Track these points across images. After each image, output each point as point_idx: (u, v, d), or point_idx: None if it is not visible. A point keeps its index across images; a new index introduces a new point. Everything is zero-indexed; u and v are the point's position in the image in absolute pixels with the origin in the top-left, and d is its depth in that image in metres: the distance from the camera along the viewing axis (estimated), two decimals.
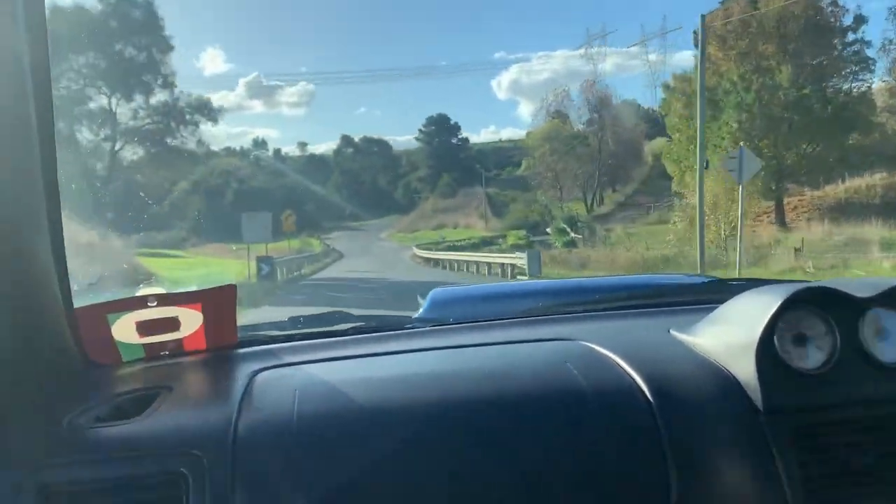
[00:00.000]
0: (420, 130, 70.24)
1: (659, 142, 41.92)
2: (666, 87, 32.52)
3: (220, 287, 1.26)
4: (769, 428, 0.94)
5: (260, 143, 71.74)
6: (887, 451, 0.93)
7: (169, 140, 32.94)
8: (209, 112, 35.20)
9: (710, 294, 1.35)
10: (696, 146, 16.44)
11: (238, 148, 65.04)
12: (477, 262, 23.84)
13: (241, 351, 1.22)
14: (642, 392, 0.96)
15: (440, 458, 0.89)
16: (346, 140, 77.24)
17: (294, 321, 1.45)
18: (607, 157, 47.62)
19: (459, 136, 72.66)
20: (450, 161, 67.03)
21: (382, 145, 77.65)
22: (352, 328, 1.35)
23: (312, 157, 76.39)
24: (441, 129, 70.52)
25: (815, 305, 1.00)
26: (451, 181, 62.53)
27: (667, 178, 32.11)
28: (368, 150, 79.87)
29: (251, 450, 0.90)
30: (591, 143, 46.95)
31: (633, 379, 0.99)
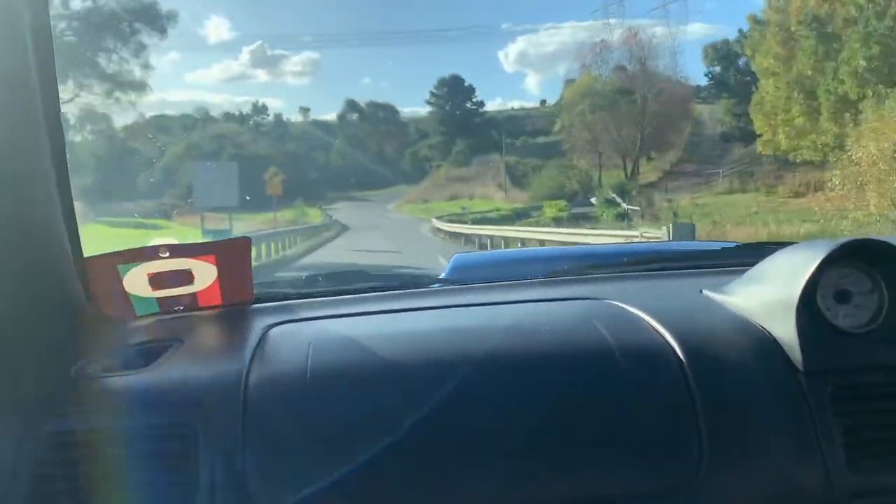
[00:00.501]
0: (431, 93, 67.57)
1: (698, 108, 40.35)
2: (754, 20, 26.97)
3: (234, 239, 1.26)
4: (809, 389, 0.92)
5: (260, 109, 69.92)
6: None
7: (103, 61, 22.09)
8: (152, 18, 23.02)
9: (743, 257, 1.31)
10: (799, 92, 13.67)
11: (237, 113, 63.88)
12: (524, 240, 17.89)
13: (256, 306, 1.23)
14: (673, 350, 0.95)
15: (458, 414, 0.89)
16: (352, 105, 75.23)
17: (311, 280, 1.46)
18: (651, 118, 42.67)
19: (474, 100, 69.05)
20: (464, 127, 65.78)
21: (389, 110, 76.85)
22: (370, 287, 1.35)
23: (315, 122, 74.88)
24: (454, 92, 69.43)
25: (860, 261, 0.98)
26: (466, 148, 61.14)
27: (716, 145, 28.69)
28: (374, 115, 79.62)
29: (262, 403, 0.91)
30: (636, 101, 42.20)
31: (664, 337, 0.98)
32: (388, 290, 1.35)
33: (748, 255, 1.30)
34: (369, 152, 76.75)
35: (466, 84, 68.52)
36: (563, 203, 36.40)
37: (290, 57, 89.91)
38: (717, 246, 1.89)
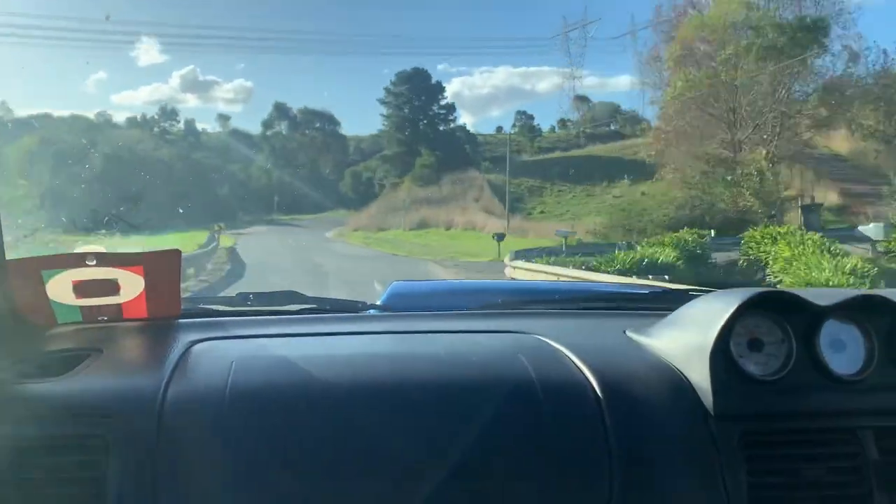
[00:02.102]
0: (387, 90, 58.46)
1: None
2: None
3: (163, 251, 1.27)
4: (719, 433, 1.01)
5: (169, 113, 61.45)
6: (836, 465, 1.02)
7: None
8: None
9: (668, 301, 1.43)
10: None
11: (139, 117, 57.24)
12: None
13: (183, 321, 1.28)
14: (592, 388, 1.04)
15: (373, 440, 0.96)
16: (281, 111, 67.48)
17: (243, 297, 1.49)
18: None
19: (443, 101, 59.19)
20: (430, 135, 56.44)
21: (327, 120, 69.21)
22: (302, 308, 1.42)
23: (236, 132, 66.84)
24: (417, 89, 57.99)
25: (773, 311, 1.08)
26: (434, 162, 51.61)
27: None
28: (309, 124, 70.05)
29: (178, 417, 0.95)
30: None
31: (585, 374, 1.07)
32: (320, 312, 1.41)
33: (673, 300, 1.40)
34: (301, 168, 67.95)
35: (433, 81, 58.49)
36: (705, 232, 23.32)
37: (223, 84, 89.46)
38: (645, 289, 2.00)
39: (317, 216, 51.94)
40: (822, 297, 1.10)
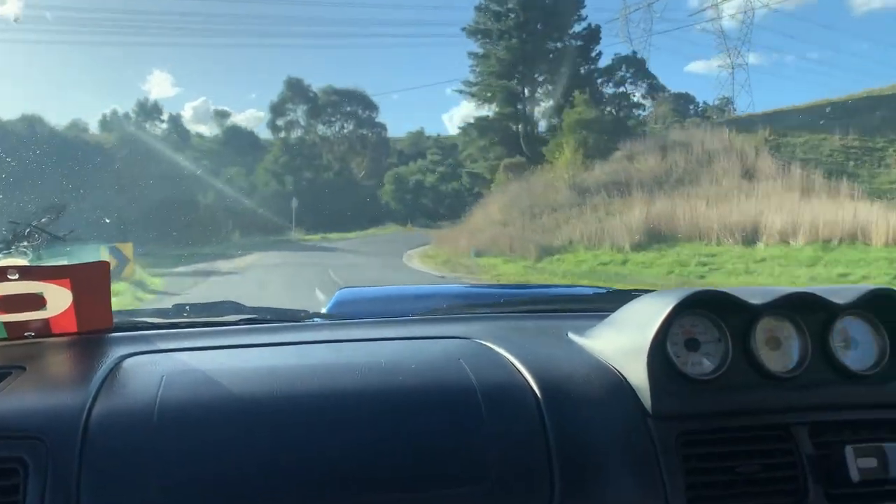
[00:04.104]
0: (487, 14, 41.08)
1: None
2: None
3: (91, 263, 1.29)
4: (657, 432, 1.10)
5: (150, 110, 49.28)
6: (772, 462, 1.12)
7: None
8: None
9: (611, 302, 1.54)
10: None
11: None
12: None
13: (114, 335, 1.32)
14: (532, 390, 1.13)
15: (308, 451, 1.01)
16: (296, 89, 51.29)
17: (179, 309, 1.55)
18: None
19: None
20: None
21: (359, 102, 53.97)
22: (243, 319, 1.47)
23: (234, 129, 53.50)
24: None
25: (709, 311, 1.19)
26: (605, 120, 32.65)
27: None
28: (336, 109, 53.28)
29: (103, 436, 0.98)
30: None
31: (525, 377, 1.16)
32: (260, 323, 1.46)
33: (615, 301, 1.51)
34: (326, 170, 52.57)
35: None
36: None
37: (235, 114, 78.13)
38: (588, 291, 2.20)
39: (355, 235, 41.08)
40: (757, 296, 1.20)
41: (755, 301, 1.18)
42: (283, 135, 54.99)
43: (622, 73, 39.91)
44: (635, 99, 40.62)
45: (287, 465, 0.99)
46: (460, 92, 40.24)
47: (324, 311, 1.68)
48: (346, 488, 0.99)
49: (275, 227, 38.73)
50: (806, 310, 1.20)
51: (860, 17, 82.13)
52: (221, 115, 59.82)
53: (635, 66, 40.49)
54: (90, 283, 1.26)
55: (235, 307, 1.52)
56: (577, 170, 23.86)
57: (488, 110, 38.82)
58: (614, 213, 20.28)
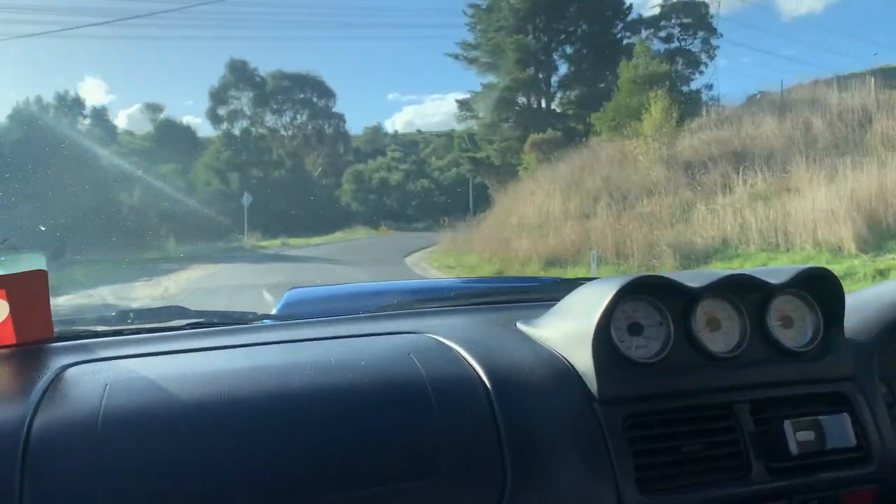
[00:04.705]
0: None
1: None
2: None
3: (26, 273, 1.27)
4: (604, 417, 1.13)
5: (72, 103, 40.67)
6: (716, 440, 1.17)
7: None
8: None
9: (558, 291, 1.57)
10: None
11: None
12: None
13: (56, 345, 1.29)
14: (482, 382, 1.15)
15: (257, 454, 1.01)
16: (240, 73, 45.94)
17: (123, 315, 1.53)
18: None
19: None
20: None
21: (315, 88, 48.67)
22: (189, 324, 1.45)
23: (168, 123, 46.70)
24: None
25: (650, 295, 1.22)
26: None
27: None
28: (288, 96, 48.47)
29: (45, 450, 0.96)
30: None
31: (475, 369, 1.18)
32: (207, 326, 1.44)
33: (562, 289, 1.55)
34: (277, 166, 46.12)
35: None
36: None
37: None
38: (537, 281, 2.46)
39: (322, 241, 34.86)
40: (696, 280, 1.23)
41: (694, 284, 1.21)
42: (225, 126, 47.91)
43: (673, 23, 32.14)
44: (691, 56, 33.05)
45: (237, 469, 0.99)
46: (456, 58, 32.49)
47: (273, 311, 1.75)
48: (298, 490, 0.99)
49: (222, 233, 32.04)
50: (743, 291, 1.24)
51: None
52: (154, 109, 52.29)
53: (693, 13, 32.04)
54: (28, 292, 1.25)
55: (181, 311, 1.49)
56: (667, 139, 16.58)
57: (496, 77, 31.11)
58: (768, 196, 13.09)
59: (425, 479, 1.02)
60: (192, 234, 29.28)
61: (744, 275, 1.24)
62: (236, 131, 47.35)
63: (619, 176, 16.57)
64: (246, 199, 30.84)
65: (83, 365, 1.16)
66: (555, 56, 31.62)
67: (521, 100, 31.79)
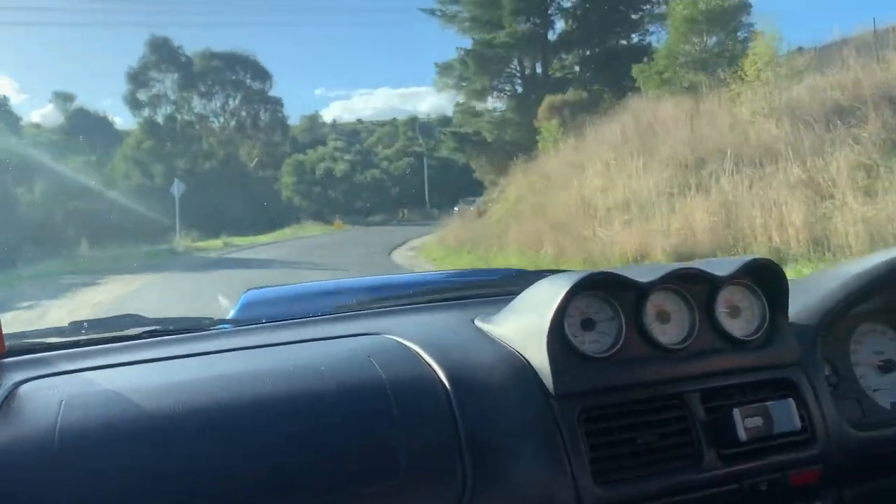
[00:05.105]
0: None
1: None
2: None
3: None
4: (560, 412, 1.14)
5: None
6: (668, 430, 1.19)
7: None
8: None
9: (515, 285, 1.56)
10: None
11: None
12: None
13: (7, 360, 1.25)
14: (441, 381, 1.16)
15: (217, 465, 1.00)
16: (163, 51, 39.95)
17: (77, 326, 1.48)
18: None
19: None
20: None
21: (249, 68, 42.99)
22: (146, 332, 1.41)
23: (81, 112, 41.06)
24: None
25: (602, 291, 1.24)
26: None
27: None
28: (218, 77, 42.04)
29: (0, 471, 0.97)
30: None
31: (433, 369, 1.18)
32: (163, 335, 1.41)
33: (519, 283, 1.55)
34: (208, 158, 41.68)
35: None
36: None
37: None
38: (496, 274, 2.29)
39: (271, 239, 30.05)
40: (646, 274, 1.25)
41: (644, 279, 1.22)
42: (147, 113, 41.65)
43: None
44: None
45: (198, 480, 0.98)
46: (432, 13, 27.11)
47: (230, 315, 1.71)
48: (259, 499, 0.98)
49: (148, 233, 26.20)
50: (691, 283, 1.26)
51: None
52: (64, 99, 45.82)
53: None
54: None
55: (136, 320, 1.47)
56: (781, 83, 11.63)
57: (482, 33, 25.23)
58: None
59: (386, 482, 1.02)
60: (110, 237, 23.80)
61: (691, 268, 1.27)
62: (160, 118, 41.72)
63: (709, 136, 12.33)
64: (177, 189, 25.75)
65: (37, 380, 1.14)
66: (551, 12, 26.54)
67: (514, 65, 26.62)
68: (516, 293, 1.38)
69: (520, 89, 26.64)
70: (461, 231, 19.42)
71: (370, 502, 1.01)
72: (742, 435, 1.17)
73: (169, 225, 27.28)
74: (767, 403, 1.21)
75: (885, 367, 1.43)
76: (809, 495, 1.27)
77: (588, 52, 26.41)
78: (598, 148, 15.20)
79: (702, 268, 1.28)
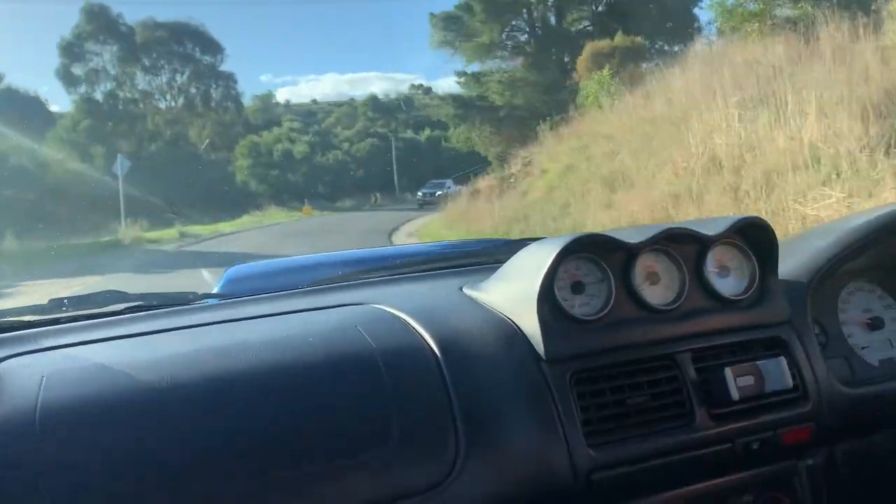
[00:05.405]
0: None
1: None
2: None
3: None
4: (551, 376, 1.13)
5: None
6: (660, 390, 1.18)
7: None
8: None
9: (502, 253, 1.60)
10: None
11: None
12: None
13: None
14: (431, 349, 1.15)
15: (206, 436, 0.98)
16: (100, 19, 36.68)
17: (57, 303, 1.44)
18: None
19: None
20: None
21: (197, 41, 39.00)
22: (128, 307, 1.39)
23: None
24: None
25: (591, 253, 1.23)
26: None
27: None
28: (164, 49, 38.36)
29: None
30: None
31: (422, 337, 1.18)
32: (146, 310, 1.38)
33: (505, 251, 1.57)
34: (155, 138, 39.09)
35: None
36: None
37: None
38: (482, 244, 2.23)
39: (234, 227, 26.26)
40: (634, 235, 1.23)
41: (633, 240, 1.22)
42: (84, 89, 37.54)
43: None
44: None
45: (186, 453, 0.96)
46: None
47: (214, 291, 1.67)
48: (249, 470, 0.96)
49: (89, 224, 22.64)
50: (681, 244, 1.25)
51: None
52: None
53: None
54: None
55: (119, 296, 1.45)
56: None
57: None
58: None
59: (377, 448, 1.02)
60: (41, 229, 20.46)
61: (680, 227, 1.26)
62: (98, 95, 37.67)
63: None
64: (120, 167, 22.10)
65: (17, 358, 1.12)
66: None
67: (524, 17, 23.07)
68: (503, 262, 1.37)
69: (530, 46, 23.19)
70: (482, 214, 16.08)
71: (363, 470, 1.00)
72: (734, 394, 1.16)
73: (112, 213, 23.68)
74: (759, 362, 1.20)
75: (873, 325, 1.44)
76: (801, 453, 1.28)
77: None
78: (690, 98, 12.06)
79: (691, 227, 1.27)
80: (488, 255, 1.69)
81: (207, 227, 25.86)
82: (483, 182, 22.07)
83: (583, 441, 1.09)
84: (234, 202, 35.05)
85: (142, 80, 40.45)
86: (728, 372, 1.16)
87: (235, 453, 0.95)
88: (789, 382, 1.20)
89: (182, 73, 42.37)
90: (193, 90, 42.38)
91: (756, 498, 1.25)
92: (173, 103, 41.44)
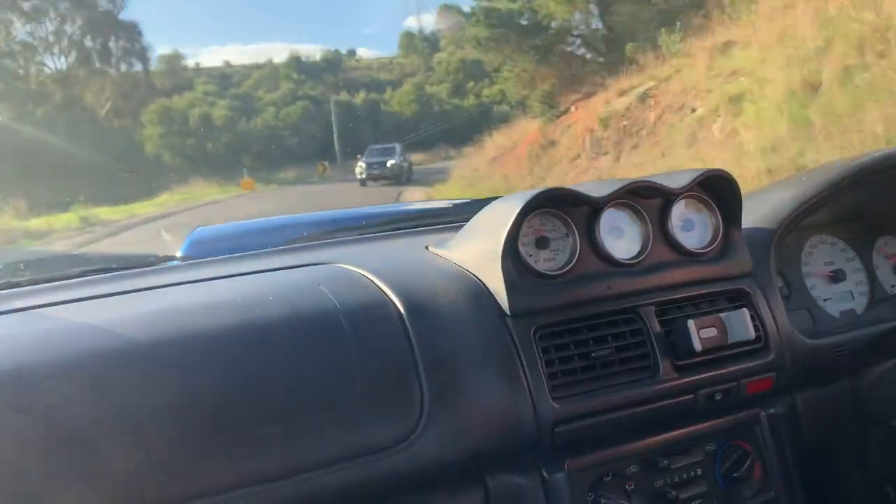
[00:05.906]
0: None
1: None
2: None
3: None
4: (516, 330, 1.15)
5: None
6: (624, 343, 1.20)
7: None
8: None
9: (467, 212, 1.54)
10: None
11: None
12: None
13: None
14: (395, 307, 1.16)
15: (169, 397, 0.99)
16: None
17: (11, 268, 1.43)
18: None
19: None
20: None
21: None
22: (89, 270, 1.39)
23: None
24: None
25: (555, 208, 1.24)
26: None
27: None
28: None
29: None
30: None
31: (387, 294, 1.18)
32: (107, 272, 1.38)
33: (470, 210, 1.51)
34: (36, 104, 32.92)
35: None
36: None
37: None
38: (448, 203, 2.20)
39: (142, 210, 19.65)
40: (598, 189, 1.24)
41: (597, 194, 1.22)
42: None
43: None
44: None
45: (150, 413, 0.96)
46: None
47: (178, 253, 1.64)
48: (214, 429, 0.97)
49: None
50: (645, 197, 1.27)
51: None
52: None
53: None
54: None
55: (79, 259, 1.44)
56: None
57: None
58: None
59: (342, 406, 1.02)
60: None
61: (645, 181, 1.26)
62: None
63: None
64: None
65: None
66: None
67: None
68: (467, 220, 1.38)
69: None
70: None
71: (327, 428, 1.01)
72: (697, 345, 1.18)
73: None
74: (721, 314, 1.22)
75: (835, 278, 1.48)
76: (763, 403, 1.31)
77: None
78: None
79: (655, 181, 1.26)
80: (456, 215, 1.70)
81: (118, 210, 19.47)
82: (504, 137, 17.20)
83: (547, 394, 1.11)
84: (146, 177, 29.11)
85: (21, 31, 34.03)
86: (691, 324, 1.18)
87: (197, 412, 0.95)
88: (751, 334, 1.23)
89: (72, 22, 35.83)
90: (88, 43, 35.83)
91: (719, 447, 1.27)
92: (63, 58, 35.16)
